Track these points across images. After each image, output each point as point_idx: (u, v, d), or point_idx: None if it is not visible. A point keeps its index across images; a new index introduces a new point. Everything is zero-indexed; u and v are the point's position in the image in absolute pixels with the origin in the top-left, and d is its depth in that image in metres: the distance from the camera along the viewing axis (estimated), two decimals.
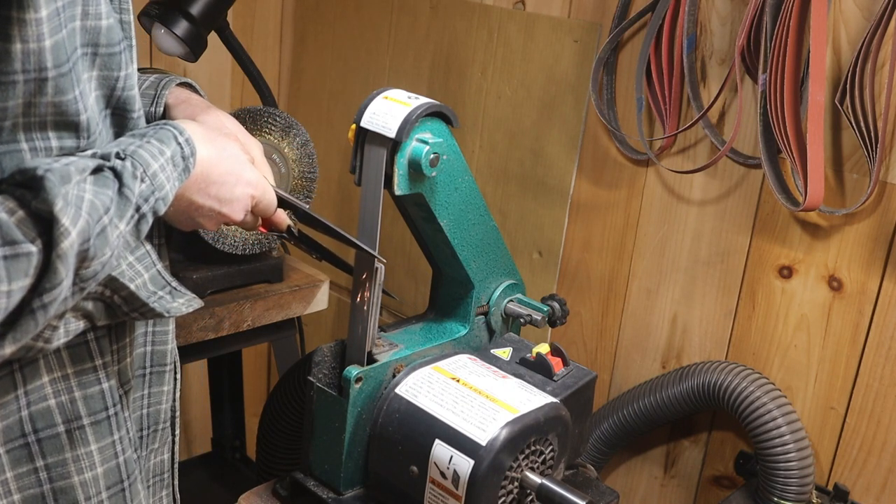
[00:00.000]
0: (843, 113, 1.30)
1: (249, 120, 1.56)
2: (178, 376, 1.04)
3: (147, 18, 1.63)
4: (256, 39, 2.22)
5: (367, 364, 1.15)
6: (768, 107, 1.31)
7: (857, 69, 1.24)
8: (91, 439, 0.88)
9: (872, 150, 1.25)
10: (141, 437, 1.00)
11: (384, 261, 1.13)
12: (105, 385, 0.89)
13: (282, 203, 1.04)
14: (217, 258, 1.62)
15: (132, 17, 0.87)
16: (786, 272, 1.43)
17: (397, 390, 1.16)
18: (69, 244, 0.70)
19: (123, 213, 0.77)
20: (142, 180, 0.79)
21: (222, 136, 0.95)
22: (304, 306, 1.73)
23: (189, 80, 1.06)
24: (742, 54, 1.33)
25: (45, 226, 0.70)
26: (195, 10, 1.60)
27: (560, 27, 1.65)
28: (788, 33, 1.26)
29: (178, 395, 1.04)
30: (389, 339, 1.22)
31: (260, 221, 1.04)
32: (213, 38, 1.69)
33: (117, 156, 0.78)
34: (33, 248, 0.69)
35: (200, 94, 1.07)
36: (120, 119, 0.86)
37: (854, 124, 1.26)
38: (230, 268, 1.64)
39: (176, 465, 1.08)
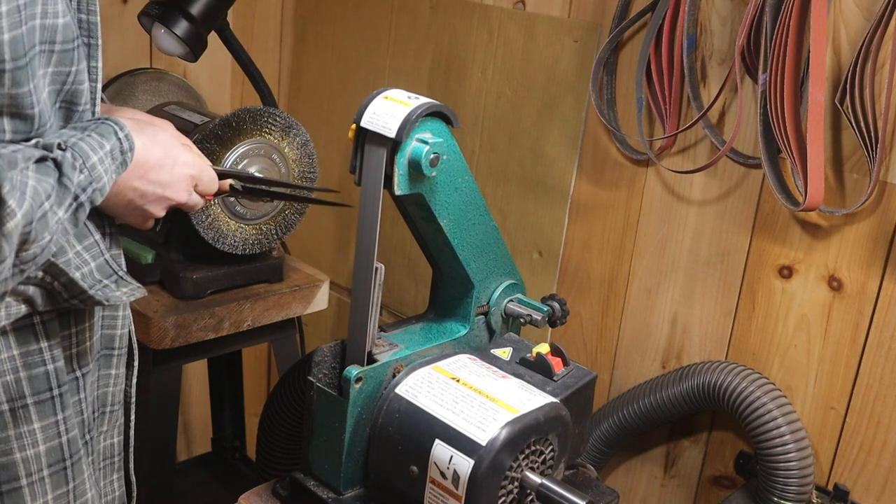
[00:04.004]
0: (843, 113, 1.30)
1: (249, 120, 1.55)
2: (135, 363, 1.07)
3: (147, 18, 1.62)
4: (256, 39, 2.22)
5: (367, 364, 1.15)
6: (768, 107, 1.31)
7: (857, 69, 1.24)
8: (34, 418, 0.91)
9: (872, 150, 1.25)
10: (94, 419, 1.03)
11: (332, 192, 1.20)
12: (51, 367, 0.92)
13: (227, 175, 1.12)
14: (217, 258, 1.62)
15: (98, 18, 0.91)
16: (786, 272, 1.43)
17: (397, 390, 1.16)
18: (14, 224, 0.74)
19: (62, 201, 0.81)
20: (80, 171, 0.83)
21: (152, 125, 1.01)
22: (304, 306, 1.73)
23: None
24: (742, 54, 1.33)
25: None
26: (195, 10, 1.60)
27: (560, 27, 1.65)
28: (788, 33, 1.26)
29: (134, 381, 1.07)
30: (389, 339, 1.22)
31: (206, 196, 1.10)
32: (213, 38, 1.69)
33: (59, 147, 0.82)
34: None
35: None
36: (67, 112, 0.89)
37: (854, 124, 1.26)
38: (230, 268, 1.64)
39: (130, 450, 1.10)
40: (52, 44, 0.82)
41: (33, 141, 0.82)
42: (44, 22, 0.80)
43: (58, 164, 0.81)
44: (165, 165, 0.98)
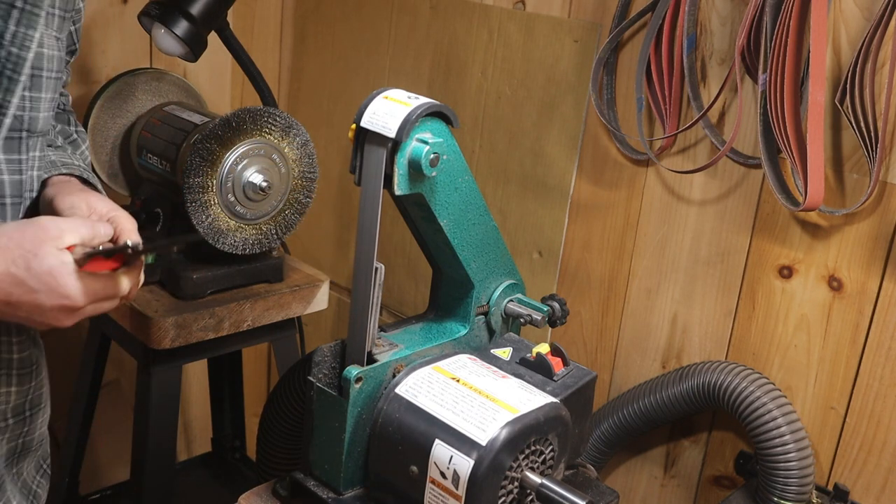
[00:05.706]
0: (843, 113, 1.30)
1: (249, 120, 1.56)
2: (44, 371, 1.13)
3: (147, 18, 1.63)
4: (256, 39, 2.21)
5: (367, 364, 1.15)
6: (768, 107, 1.31)
7: (857, 69, 1.24)
8: None
9: (872, 150, 1.25)
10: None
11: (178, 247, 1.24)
12: None
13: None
14: (217, 258, 1.62)
15: (30, 54, 0.96)
16: (786, 272, 1.43)
17: (397, 390, 1.16)
18: None
19: None
20: None
21: (36, 277, 0.88)
22: (304, 306, 1.73)
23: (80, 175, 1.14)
24: (742, 54, 1.33)
25: None
26: (195, 10, 1.60)
27: (560, 27, 1.65)
28: (788, 33, 1.26)
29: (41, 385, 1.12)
30: (389, 339, 1.22)
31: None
32: (213, 38, 1.69)
33: None
34: None
35: (93, 185, 1.14)
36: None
37: (854, 124, 1.26)
38: (230, 268, 1.64)
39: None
40: None
41: None
42: None
43: None
44: (33, 313, 0.90)
